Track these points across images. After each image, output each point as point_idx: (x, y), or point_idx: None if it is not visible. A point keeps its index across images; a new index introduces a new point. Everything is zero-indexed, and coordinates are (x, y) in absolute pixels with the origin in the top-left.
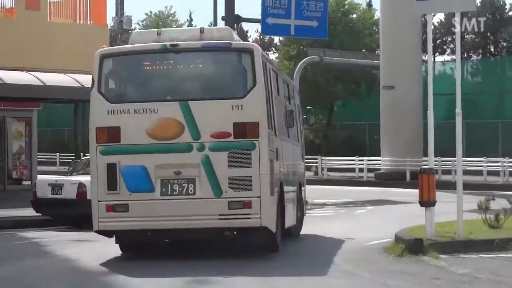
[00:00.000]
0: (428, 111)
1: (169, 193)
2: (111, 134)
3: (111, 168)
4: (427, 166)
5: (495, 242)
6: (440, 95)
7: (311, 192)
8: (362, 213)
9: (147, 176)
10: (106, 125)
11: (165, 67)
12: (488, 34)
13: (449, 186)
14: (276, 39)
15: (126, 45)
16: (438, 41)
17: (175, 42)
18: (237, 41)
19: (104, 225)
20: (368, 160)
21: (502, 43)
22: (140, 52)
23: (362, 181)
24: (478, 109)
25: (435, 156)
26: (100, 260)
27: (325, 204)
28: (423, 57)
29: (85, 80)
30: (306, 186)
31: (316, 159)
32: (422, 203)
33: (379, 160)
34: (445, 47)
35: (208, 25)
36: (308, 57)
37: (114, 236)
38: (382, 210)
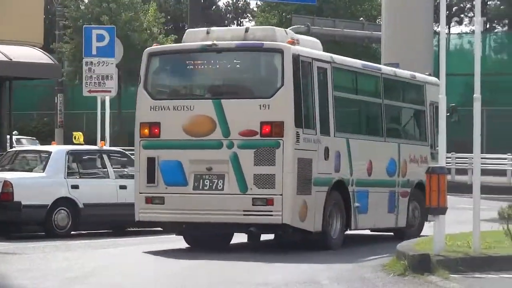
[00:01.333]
0: (440, 95)
1: (200, 187)
2: (152, 129)
3: (151, 162)
4: (437, 165)
5: None
6: (455, 75)
7: None
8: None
9: (182, 171)
10: (149, 121)
11: (203, 66)
12: None
13: (465, 189)
14: (253, 3)
15: (173, 44)
16: (454, 8)
17: (214, 42)
18: (271, 42)
19: (144, 216)
20: None
21: None
22: (183, 51)
23: None
24: (502, 93)
25: (447, 152)
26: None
27: None
28: (435, 28)
29: (14, 53)
30: None
31: None
32: (430, 209)
33: None
34: (462, 15)
35: None
36: (293, 27)
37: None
38: None
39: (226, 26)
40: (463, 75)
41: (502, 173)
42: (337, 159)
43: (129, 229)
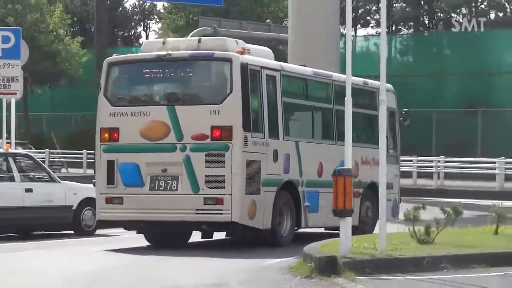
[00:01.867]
0: (346, 98)
1: (156, 188)
2: (111, 134)
3: (111, 165)
4: (343, 167)
5: (425, 260)
6: (362, 77)
7: None
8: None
9: (139, 173)
10: (108, 126)
11: (159, 75)
12: (422, 2)
13: (427, 193)
14: (160, 5)
15: (130, 54)
16: (360, 11)
17: (168, 52)
18: (221, 52)
19: (104, 215)
20: None
21: (438, 14)
22: (140, 61)
23: None
24: (409, 95)
25: (408, 155)
26: None
27: None
28: (342, 30)
29: None
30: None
31: None
32: (336, 211)
33: None
34: (368, 17)
35: None
36: (199, 29)
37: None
38: None
39: (133, 28)
40: (369, 76)
41: (409, 175)
42: (286, 161)
43: (36, 233)
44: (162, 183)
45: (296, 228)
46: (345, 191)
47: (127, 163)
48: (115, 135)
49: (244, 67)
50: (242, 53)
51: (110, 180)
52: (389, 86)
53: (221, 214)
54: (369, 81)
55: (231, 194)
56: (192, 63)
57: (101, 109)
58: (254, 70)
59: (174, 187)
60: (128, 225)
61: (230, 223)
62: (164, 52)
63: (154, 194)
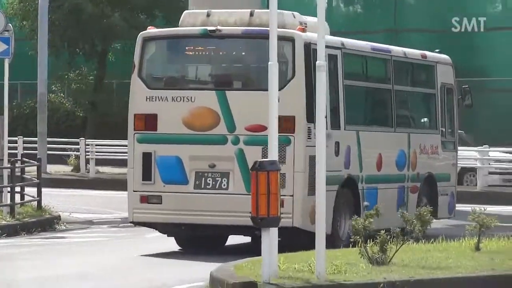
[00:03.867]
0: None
1: (202, 186)
2: (148, 122)
3: (147, 157)
4: (266, 159)
5: (380, 286)
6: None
7: (67, 202)
8: (162, 237)
9: (182, 168)
10: (144, 112)
11: (205, 53)
12: None
13: None
14: None
15: (170, 29)
16: None
17: (217, 27)
18: (281, 29)
19: (138, 216)
20: None
21: None
22: (182, 36)
23: None
24: None
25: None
26: None
27: (91, 222)
28: None
29: None
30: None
31: (77, 144)
32: (257, 220)
33: None
34: None
35: None
36: None
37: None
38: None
39: None
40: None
41: None
42: (347, 155)
43: None
44: (209, 180)
45: None
46: (269, 192)
47: (167, 157)
48: (153, 123)
49: (307, 47)
50: (303, 30)
51: (147, 176)
52: (446, 57)
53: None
54: (428, 53)
55: (292, 195)
56: (246, 41)
57: (136, 92)
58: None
59: (224, 185)
60: (167, 228)
61: (290, 229)
62: (213, 27)
63: (199, 193)
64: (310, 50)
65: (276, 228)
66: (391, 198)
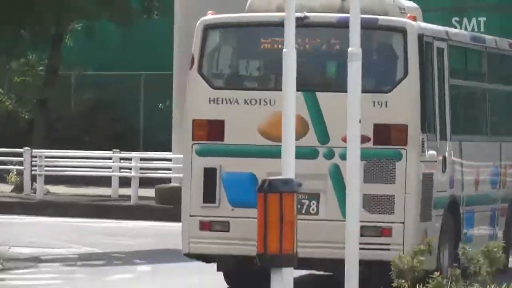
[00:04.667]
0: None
1: None
2: (212, 130)
3: (210, 174)
4: (279, 177)
5: None
6: None
7: (5, 232)
8: (128, 280)
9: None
10: (207, 118)
11: None
12: None
13: None
14: None
15: (239, 15)
16: None
17: (304, 14)
18: (388, 18)
19: (195, 247)
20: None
21: None
22: (256, 24)
23: (126, 206)
24: None
25: None
26: None
27: (38, 259)
28: None
29: None
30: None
31: (20, 155)
32: (266, 258)
33: (167, 161)
34: None
35: None
36: None
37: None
38: (172, 274)
39: None
40: None
41: None
42: (451, 171)
43: None
44: None
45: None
46: (282, 219)
47: (237, 173)
48: (219, 131)
49: (421, 40)
50: (414, 19)
51: (209, 197)
52: None
53: (388, 249)
54: None
55: (403, 222)
56: (341, 31)
57: (195, 93)
58: (428, 43)
59: (313, 209)
60: (237, 261)
61: None
62: (299, 14)
63: None
64: (423, 44)
65: (292, 269)
66: (485, 223)
